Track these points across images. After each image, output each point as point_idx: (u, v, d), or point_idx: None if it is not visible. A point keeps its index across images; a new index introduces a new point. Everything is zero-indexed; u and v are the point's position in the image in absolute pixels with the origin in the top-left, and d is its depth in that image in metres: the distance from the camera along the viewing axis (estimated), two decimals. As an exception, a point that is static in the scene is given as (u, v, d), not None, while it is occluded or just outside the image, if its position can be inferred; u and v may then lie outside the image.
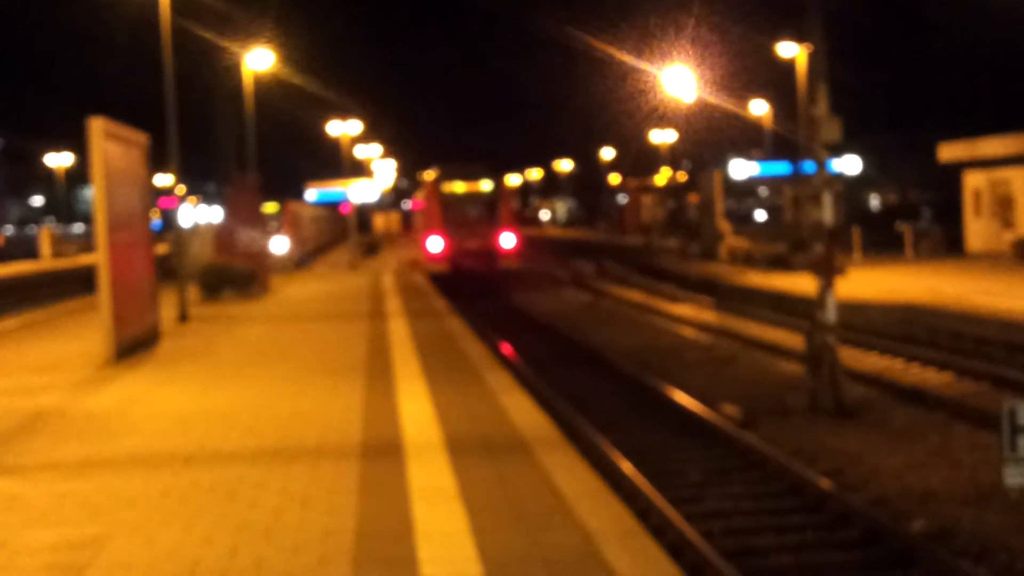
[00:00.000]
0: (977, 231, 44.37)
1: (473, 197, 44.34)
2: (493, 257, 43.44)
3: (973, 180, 44.80)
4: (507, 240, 43.43)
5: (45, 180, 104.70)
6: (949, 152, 45.50)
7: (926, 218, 67.19)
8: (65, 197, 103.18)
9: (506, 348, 24.07)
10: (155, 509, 8.67)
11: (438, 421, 11.84)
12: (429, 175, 46.44)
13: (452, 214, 43.48)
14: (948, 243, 45.79)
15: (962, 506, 11.50)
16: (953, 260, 39.78)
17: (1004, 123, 42.88)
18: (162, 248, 34.17)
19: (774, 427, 15.60)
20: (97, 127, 17.01)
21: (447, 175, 44.67)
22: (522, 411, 12.42)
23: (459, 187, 44.38)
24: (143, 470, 10.01)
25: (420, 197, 53.85)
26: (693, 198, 61.73)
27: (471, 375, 15.32)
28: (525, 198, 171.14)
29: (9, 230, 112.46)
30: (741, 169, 60.52)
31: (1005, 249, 40.28)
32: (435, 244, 43.36)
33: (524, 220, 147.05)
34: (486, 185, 44.67)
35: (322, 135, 63.80)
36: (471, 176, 44.85)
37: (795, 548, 10.55)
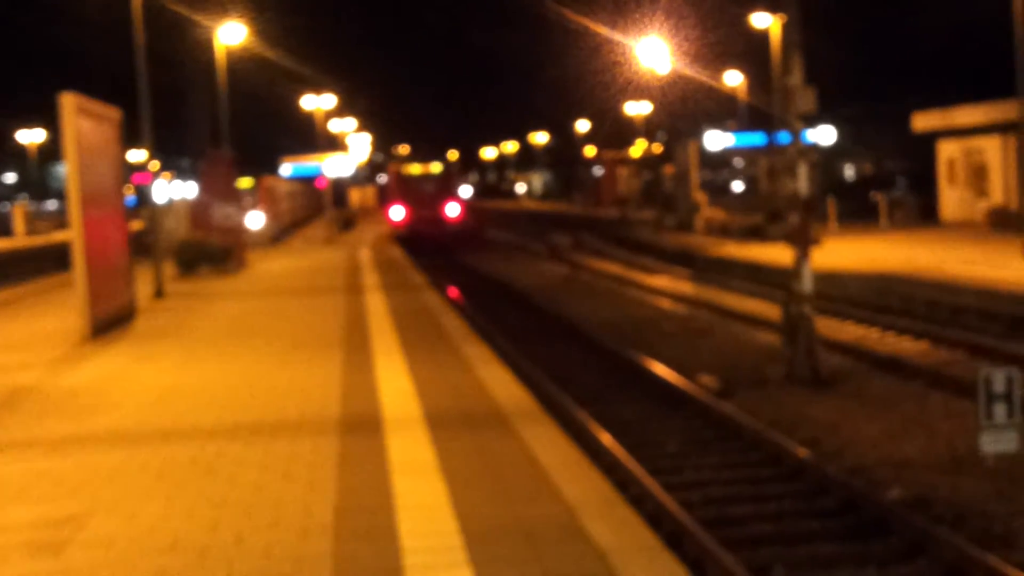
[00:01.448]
0: (951, 200, 44.56)
1: (426, 177, 56.00)
2: (442, 223, 54.59)
3: (947, 149, 44.96)
4: (452, 209, 55.22)
5: (17, 157, 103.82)
6: (923, 121, 45.64)
7: (901, 188, 67.46)
8: (38, 174, 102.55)
9: (474, 310, 24.11)
10: (135, 485, 8.65)
11: (417, 394, 11.85)
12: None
13: (410, 190, 55.19)
14: (923, 212, 45.99)
15: (939, 474, 11.59)
16: (928, 229, 39.98)
17: (978, 92, 43.02)
18: (137, 224, 34.06)
19: (751, 397, 15.67)
20: (69, 103, 16.89)
21: (406, 159, 59.20)
22: (501, 384, 12.44)
23: (415, 168, 56.89)
24: (122, 447, 9.99)
25: (387, 176, 66.79)
26: (669, 170, 61.75)
27: (449, 348, 15.33)
28: (501, 171, 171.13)
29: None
30: (716, 140, 60.51)
31: (979, 218, 40.49)
32: (397, 213, 55.00)
33: (498, 193, 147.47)
34: (436, 167, 56.89)
35: (296, 109, 63.58)
36: (425, 162, 57.58)
37: (773, 517, 10.60)
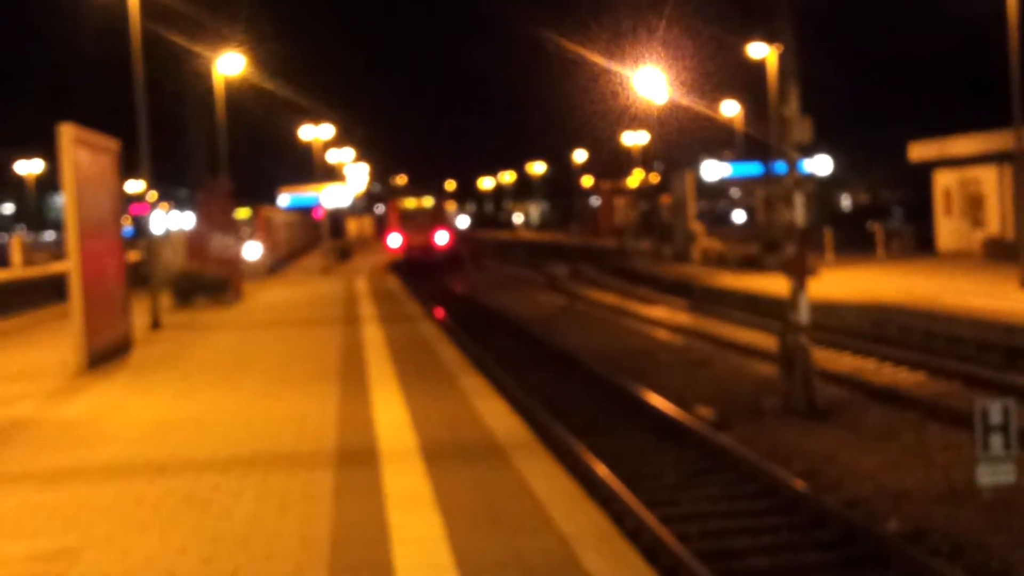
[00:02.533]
0: (948, 230, 44.60)
1: (420, 210, 63.55)
2: (432, 249, 61.44)
3: (943, 179, 45.03)
4: (441, 237, 62.36)
5: (15, 187, 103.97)
6: (919, 152, 45.73)
7: (897, 218, 67.54)
8: (36, 204, 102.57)
9: (480, 348, 24.09)
10: (130, 518, 8.62)
11: (413, 426, 11.83)
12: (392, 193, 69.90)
13: (406, 221, 62.43)
14: (919, 242, 46.02)
15: (936, 505, 11.56)
16: (924, 259, 40.02)
17: (974, 122, 43.09)
18: (134, 255, 34.03)
19: (748, 428, 15.64)
20: (67, 134, 16.92)
21: (402, 193, 66.70)
22: (497, 415, 12.42)
23: (411, 202, 64.54)
24: (117, 479, 9.96)
25: (385, 208, 74.16)
26: (666, 200, 61.81)
27: (446, 379, 15.31)
28: (498, 201, 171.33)
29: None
30: (713, 170, 60.65)
31: (976, 248, 40.53)
32: (394, 240, 62.24)
33: (496, 223, 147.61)
34: (428, 201, 64.58)
35: (294, 140, 63.67)
36: (418, 194, 66.14)
37: (771, 549, 10.57)
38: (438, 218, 64.30)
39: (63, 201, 17.60)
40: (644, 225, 70.99)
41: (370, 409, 12.99)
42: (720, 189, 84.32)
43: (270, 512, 8.63)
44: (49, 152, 23.13)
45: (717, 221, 76.57)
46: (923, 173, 47.12)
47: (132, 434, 12.15)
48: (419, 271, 53.84)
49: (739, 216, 57.95)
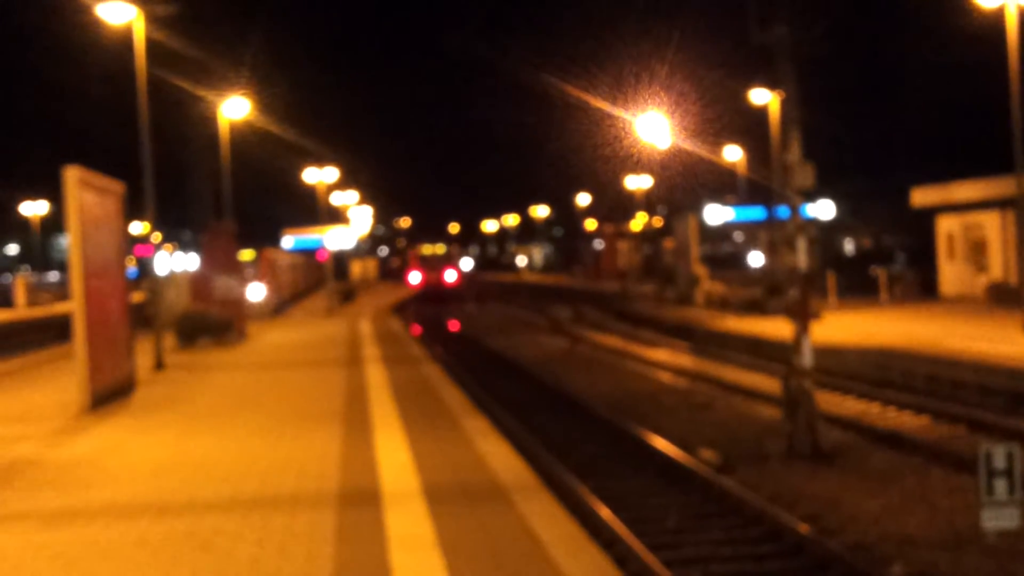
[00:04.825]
0: (951, 275, 44.63)
1: (434, 255, 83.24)
2: (443, 285, 77.89)
3: (946, 224, 45.11)
4: (450, 276, 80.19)
5: (20, 228, 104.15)
6: (922, 197, 45.84)
7: (900, 262, 67.53)
8: (40, 245, 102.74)
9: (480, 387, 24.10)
10: (130, 560, 8.60)
11: (416, 468, 11.81)
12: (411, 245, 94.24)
13: (423, 263, 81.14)
14: (922, 287, 46.03)
15: (940, 550, 11.52)
16: (927, 304, 40.00)
17: (977, 168, 43.22)
18: (138, 296, 34.05)
19: (752, 472, 15.60)
20: (72, 176, 16.99)
21: (409, 239, 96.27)
22: (500, 457, 12.40)
23: (427, 249, 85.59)
24: (119, 520, 9.94)
25: (408, 254, 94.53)
26: (669, 243, 61.86)
27: (448, 421, 15.30)
28: (501, 244, 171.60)
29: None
30: (716, 214, 60.77)
31: (979, 293, 40.53)
32: (415, 278, 79.86)
33: (499, 266, 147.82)
34: (441, 248, 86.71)
35: (299, 182, 63.78)
36: (433, 243, 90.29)
37: (774, 593, 10.53)
38: (448, 261, 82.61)
39: (68, 242, 17.66)
40: (647, 268, 71.09)
41: (373, 450, 12.97)
42: (723, 233, 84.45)
43: (272, 553, 8.60)
44: (54, 194, 23.23)
45: (727, 265, 76.60)
46: (926, 218, 47.20)
47: (134, 475, 12.14)
48: (432, 300, 69.03)
49: (756, 259, 57.22)
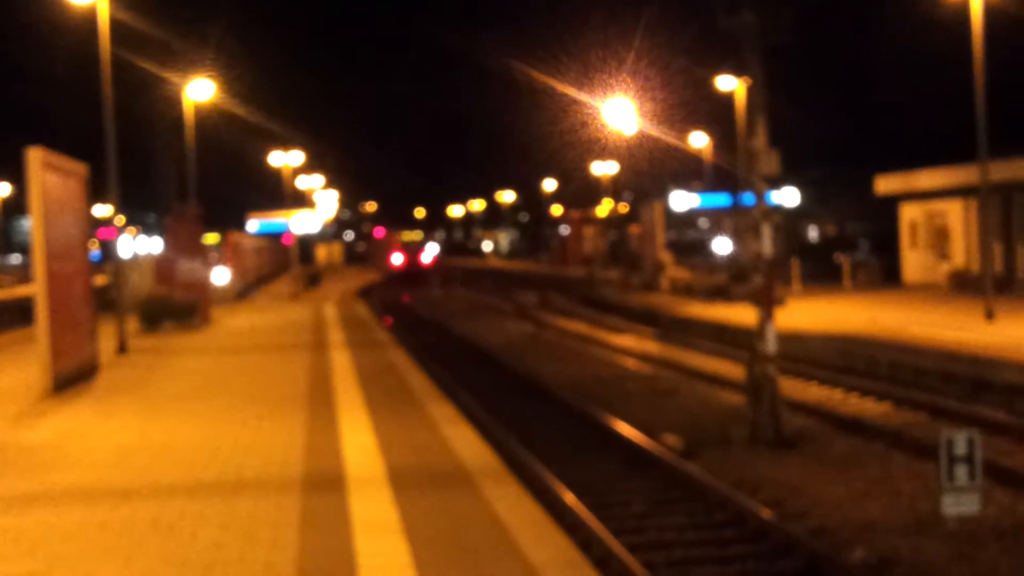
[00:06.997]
0: (914, 262, 44.98)
1: (412, 241, 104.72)
2: (419, 265, 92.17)
3: (909, 212, 45.44)
4: (426, 257, 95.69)
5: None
6: (886, 185, 46.13)
7: (864, 250, 68.00)
8: (2, 227, 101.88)
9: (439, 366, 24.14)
10: (94, 544, 8.56)
11: (381, 453, 11.81)
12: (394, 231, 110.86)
13: (404, 246, 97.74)
14: (885, 274, 46.38)
15: (901, 535, 11.62)
16: (890, 291, 40.29)
17: (939, 156, 43.51)
18: (101, 279, 33.83)
19: (715, 457, 15.68)
20: (35, 158, 16.85)
21: (401, 229, 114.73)
22: (465, 443, 12.41)
23: (407, 235, 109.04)
24: (81, 504, 9.88)
25: (387, 239, 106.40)
26: (634, 229, 62.03)
27: (414, 406, 15.29)
28: (467, 229, 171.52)
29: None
30: (682, 201, 60.92)
31: (941, 280, 40.86)
32: (397, 259, 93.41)
33: (465, 251, 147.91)
34: (418, 234, 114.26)
35: (264, 165, 63.51)
36: (410, 231, 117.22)
37: (737, 578, 10.59)
38: (424, 245, 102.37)
39: (30, 224, 17.51)
40: (613, 254, 71.25)
41: (338, 435, 12.95)
42: (689, 219, 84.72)
43: (235, 538, 8.58)
44: (17, 175, 23.03)
45: (690, 250, 76.79)
46: (889, 206, 47.55)
47: (97, 458, 12.07)
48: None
49: (721, 245, 56.43)
